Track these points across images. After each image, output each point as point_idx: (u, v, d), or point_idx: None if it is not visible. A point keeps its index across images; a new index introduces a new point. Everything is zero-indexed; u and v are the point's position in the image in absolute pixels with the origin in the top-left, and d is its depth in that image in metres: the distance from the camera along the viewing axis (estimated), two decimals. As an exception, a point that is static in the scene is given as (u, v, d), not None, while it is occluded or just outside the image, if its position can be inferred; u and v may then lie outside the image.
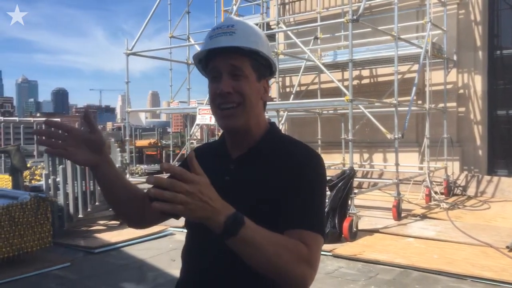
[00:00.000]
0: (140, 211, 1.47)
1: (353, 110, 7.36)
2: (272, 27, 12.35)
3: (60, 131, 1.34)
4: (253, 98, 1.34)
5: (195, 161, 1.07)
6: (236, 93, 1.31)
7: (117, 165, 7.79)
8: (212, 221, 1.07)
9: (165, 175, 1.12)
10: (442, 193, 9.24)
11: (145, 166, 16.68)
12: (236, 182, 1.33)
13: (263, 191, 1.30)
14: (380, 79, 11.12)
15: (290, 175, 1.30)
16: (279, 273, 1.16)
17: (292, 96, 9.95)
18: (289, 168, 1.31)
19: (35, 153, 15.12)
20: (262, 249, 1.11)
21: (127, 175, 9.28)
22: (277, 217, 1.27)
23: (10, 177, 8.41)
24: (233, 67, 1.31)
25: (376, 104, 8.79)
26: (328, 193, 6.49)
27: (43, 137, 1.30)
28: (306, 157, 1.35)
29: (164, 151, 17.22)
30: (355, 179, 7.06)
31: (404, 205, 7.93)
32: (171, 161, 14.61)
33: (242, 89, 1.31)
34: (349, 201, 6.49)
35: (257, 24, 12.16)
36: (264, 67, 1.38)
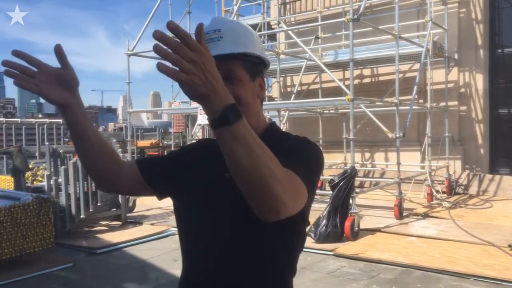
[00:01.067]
0: (111, 171, 1.41)
1: (354, 110, 7.36)
2: (273, 26, 12.35)
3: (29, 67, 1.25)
4: (249, 99, 1.34)
5: (203, 34, 0.99)
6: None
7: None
8: (210, 102, 1.00)
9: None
10: (443, 192, 9.23)
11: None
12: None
13: None
14: (381, 78, 11.11)
15: (285, 156, 1.23)
16: (262, 188, 1.03)
17: (293, 95, 9.95)
18: (286, 155, 1.24)
19: (37, 154, 15.15)
20: (251, 150, 1.02)
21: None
22: None
23: (12, 178, 8.43)
24: (225, 72, 1.28)
25: (377, 103, 8.78)
26: (329, 192, 6.49)
27: (12, 69, 1.21)
28: (302, 143, 1.35)
29: (165, 152, 17.23)
30: (356, 178, 7.06)
31: (406, 204, 7.93)
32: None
33: (238, 93, 1.30)
34: (351, 201, 6.49)
35: (257, 24, 12.19)
36: (257, 64, 1.38)
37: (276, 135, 1.42)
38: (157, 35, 0.93)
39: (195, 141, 1.61)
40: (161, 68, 0.94)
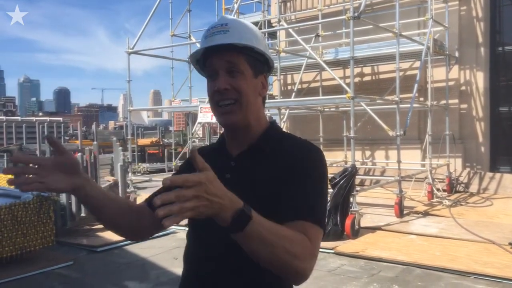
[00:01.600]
0: (134, 224, 1.45)
1: (355, 108, 7.35)
2: (273, 24, 12.32)
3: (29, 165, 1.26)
4: (250, 94, 1.35)
5: (198, 156, 1.04)
6: (233, 90, 1.32)
7: (119, 163, 7.80)
8: (219, 217, 1.05)
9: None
10: (444, 190, 9.22)
11: (147, 164, 16.69)
12: (236, 180, 1.33)
13: (263, 188, 1.31)
14: (381, 76, 11.10)
15: (290, 169, 1.30)
16: (284, 267, 1.15)
17: (293, 93, 9.94)
18: (288, 162, 1.32)
19: (37, 152, 15.15)
20: (269, 244, 1.10)
21: (129, 174, 9.28)
22: (277, 213, 1.26)
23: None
24: (228, 64, 1.32)
25: (377, 101, 8.77)
26: (330, 190, 6.49)
27: (15, 178, 1.21)
28: (305, 151, 1.36)
29: (166, 150, 17.23)
30: (357, 176, 7.06)
31: (406, 202, 7.93)
32: (173, 159, 14.62)
33: (239, 86, 1.32)
34: (351, 199, 6.49)
35: (258, 22, 12.17)
36: (261, 62, 1.39)
37: (276, 135, 1.43)
38: (157, 203, 0.95)
39: (194, 147, 1.65)
40: (167, 225, 0.97)
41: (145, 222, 1.45)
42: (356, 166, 6.97)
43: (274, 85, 12.24)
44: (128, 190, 8.20)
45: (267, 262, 1.14)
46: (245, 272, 1.31)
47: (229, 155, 1.41)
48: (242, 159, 1.39)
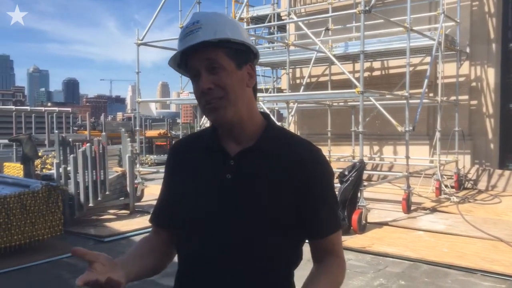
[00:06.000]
0: (163, 257, 1.66)
1: (364, 102, 7.30)
2: (283, 18, 12.28)
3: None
4: (236, 87, 1.29)
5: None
6: (217, 88, 1.27)
7: (127, 155, 7.82)
8: None
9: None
10: (452, 187, 9.18)
11: (155, 156, 16.75)
12: (239, 180, 1.30)
13: (268, 193, 1.29)
14: (391, 71, 11.03)
15: (303, 181, 1.31)
16: None
17: (302, 87, 9.91)
18: (300, 173, 1.31)
19: (46, 142, 15.24)
20: None
21: (137, 165, 9.31)
22: (288, 221, 1.29)
23: (22, 166, 8.48)
24: (208, 61, 1.27)
25: (387, 96, 8.71)
26: (337, 185, 6.48)
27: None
28: (314, 159, 1.35)
29: (173, 142, 17.25)
30: (364, 171, 7.03)
31: (414, 198, 7.90)
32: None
33: (222, 82, 1.27)
34: (359, 194, 6.47)
35: (267, 15, 12.13)
36: (243, 52, 1.32)
37: (275, 129, 1.39)
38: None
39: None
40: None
41: (165, 248, 1.61)
42: (364, 161, 6.94)
43: (283, 79, 12.20)
44: (135, 181, 8.24)
45: None
46: (244, 270, 1.30)
47: (225, 153, 1.34)
48: (242, 158, 1.33)
